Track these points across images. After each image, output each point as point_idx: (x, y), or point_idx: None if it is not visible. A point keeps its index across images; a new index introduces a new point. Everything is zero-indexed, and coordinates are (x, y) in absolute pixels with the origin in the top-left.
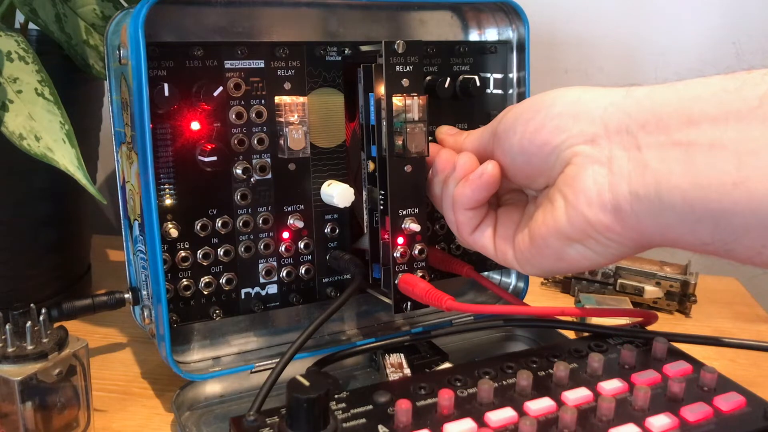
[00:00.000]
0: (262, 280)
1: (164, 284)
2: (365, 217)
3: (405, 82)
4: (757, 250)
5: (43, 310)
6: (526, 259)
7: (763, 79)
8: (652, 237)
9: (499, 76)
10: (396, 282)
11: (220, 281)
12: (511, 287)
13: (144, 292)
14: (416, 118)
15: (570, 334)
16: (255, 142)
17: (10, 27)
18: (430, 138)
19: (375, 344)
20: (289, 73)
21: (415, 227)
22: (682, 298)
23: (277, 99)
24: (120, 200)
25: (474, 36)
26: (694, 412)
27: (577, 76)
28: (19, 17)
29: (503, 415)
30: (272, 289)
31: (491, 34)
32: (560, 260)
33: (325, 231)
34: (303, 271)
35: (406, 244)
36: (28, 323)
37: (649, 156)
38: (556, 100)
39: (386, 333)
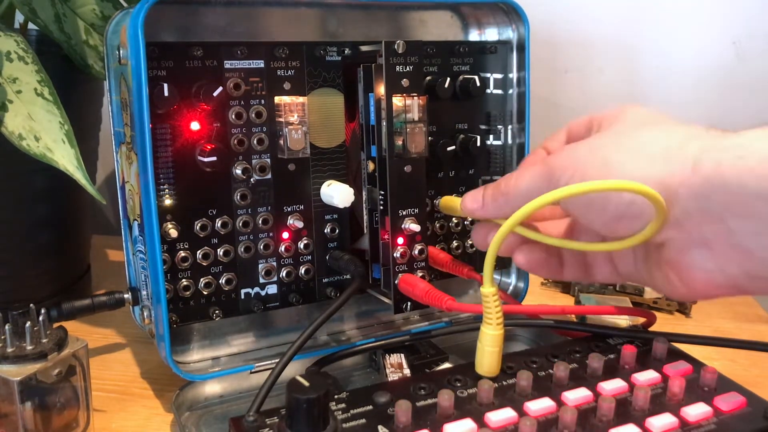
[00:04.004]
0: (261, 281)
1: (164, 284)
2: (365, 217)
3: (405, 82)
4: None
5: (43, 311)
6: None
7: None
8: None
9: (499, 76)
10: (396, 282)
11: (220, 281)
12: (511, 287)
13: (144, 293)
14: (416, 119)
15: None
16: (255, 142)
17: (10, 27)
18: None
19: (375, 344)
20: (289, 73)
21: (415, 227)
22: None
23: (276, 99)
24: (120, 200)
25: (474, 36)
26: (694, 412)
27: (577, 76)
28: (19, 17)
29: (503, 415)
30: (272, 289)
31: (491, 34)
32: None
33: (325, 231)
34: (303, 272)
35: (406, 244)
36: (28, 323)
37: (748, 241)
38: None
39: (386, 333)
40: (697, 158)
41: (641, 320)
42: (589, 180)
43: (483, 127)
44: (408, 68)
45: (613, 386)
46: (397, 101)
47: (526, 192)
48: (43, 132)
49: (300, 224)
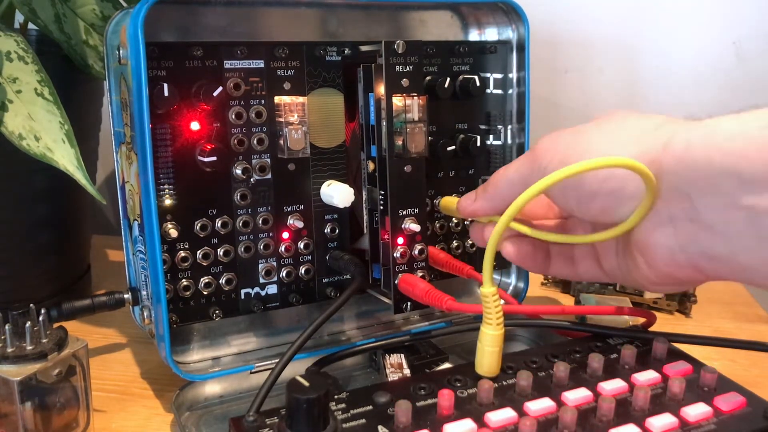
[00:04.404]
0: (261, 281)
1: (164, 284)
2: (365, 217)
3: (405, 82)
4: None
5: (43, 311)
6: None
7: None
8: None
9: (499, 76)
10: (396, 282)
11: (220, 281)
12: (511, 287)
13: (144, 293)
14: (416, 118)
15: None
16: (255, 142)
17: (10, 27)
18: None
19: (375, 344)
20: (289, 73)
21: (415, 227)
22: (682, 298)
23: (276, 99)
24: (120, 200)
25: (474, 36)
26: (694, 412)
27: (577, 76)
28: (19, 17)
29: (503, 415)
30: (272, 289)
31: (491, 34)
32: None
33: (325, 231)
34: (303, 272)
35: (406, 244)
36: (28, 323)
37: (711, 218)
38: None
39: (386, 333)
40: (668, 139)
41: (641, 320)
42: (569, 164)
43: (483, 127)
44: (408, 68)
45: (613, 386)
46: (397, 101)
47: (514, 178)
48: (43, 132)
49: (300, 224)
